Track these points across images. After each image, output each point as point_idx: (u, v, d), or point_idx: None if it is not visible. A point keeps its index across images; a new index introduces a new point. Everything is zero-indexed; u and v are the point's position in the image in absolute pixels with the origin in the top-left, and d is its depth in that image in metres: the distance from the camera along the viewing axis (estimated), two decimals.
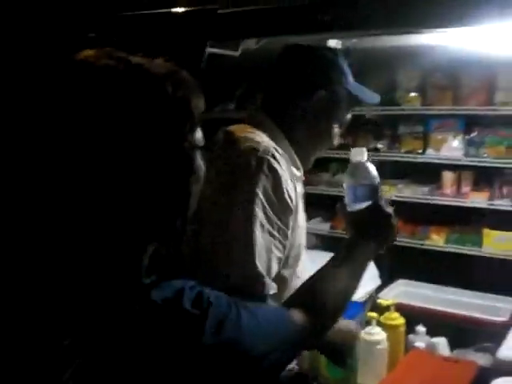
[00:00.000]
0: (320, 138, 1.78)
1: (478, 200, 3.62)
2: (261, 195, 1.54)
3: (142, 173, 0.95)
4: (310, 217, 3.56)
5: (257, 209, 1.53)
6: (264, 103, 1.79)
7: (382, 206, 1.51)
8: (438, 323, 2.65)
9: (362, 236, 1.47)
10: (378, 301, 2.30)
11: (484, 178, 3.71)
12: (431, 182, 3.84)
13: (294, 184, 1.66)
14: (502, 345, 2.30)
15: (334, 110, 1.77)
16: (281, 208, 1.57)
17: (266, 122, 1.73)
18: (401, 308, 2.27)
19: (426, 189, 3.81)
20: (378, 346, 1.98)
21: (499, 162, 3.54)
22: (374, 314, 2.09)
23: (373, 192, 1.52)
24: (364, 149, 1.60)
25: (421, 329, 2.37)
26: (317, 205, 3.95)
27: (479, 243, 3.61)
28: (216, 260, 1.55)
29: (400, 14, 2.26)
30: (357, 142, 3.99)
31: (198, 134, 1.05)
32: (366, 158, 1.57)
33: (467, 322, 2.92)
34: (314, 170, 4.11)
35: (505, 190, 3.58)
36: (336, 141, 1.81)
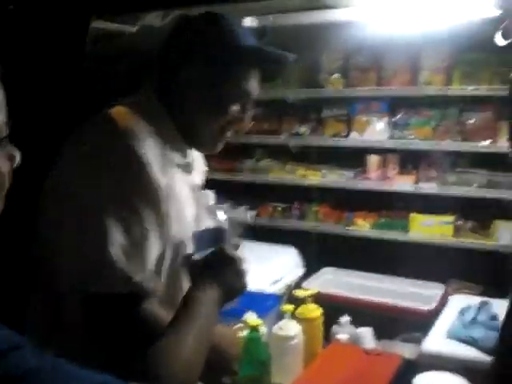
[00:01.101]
0: (208, 112, 1.55)
1: (405, 184, 3.55)
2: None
3: None
4: (234, 205, 3.47)
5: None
6: (150, 84, 1.58)
7: (226, 250, 1.39)
8: (363, 313, 2.54)
9: (203, 286, 1.32)
10: (295, 292, 2.16)
11: (410, 160, 3.63)
12: (356, 166, 3.75)
13: (167, 170, 1.45)
14: (427, 336, 2.21)
15: (218, 78, 1.53)
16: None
17: (149, 105, 1.53)
18: (324, 298, 2.15)
19: (350, 173, 3.73)
20: (291, 342, 1.84)
21: (425, 144, 3.48)
22: (289, 307, 1.96)
23: (220, 236, 1.42)
24: (210, 192, 1.56)
25: (344, 319, 2.27)
26: (242, 193, 3.84)
27: (406, 228, 3.55)
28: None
29: None
30: (281, 127, 3.89)
31: None
32: (212, 201, 1.52)
33: (394, 311, 2.87)
34: (238, 156, 4.01)
35: (431, 173, 3.50)
36: (244, 122, 1.60)
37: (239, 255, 1.40)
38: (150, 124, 1.45)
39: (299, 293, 2.06)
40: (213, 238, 1.40)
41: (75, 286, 1.32)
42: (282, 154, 4.00)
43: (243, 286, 1.42)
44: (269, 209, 3.97)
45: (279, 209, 3.95)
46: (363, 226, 3.68)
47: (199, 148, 1.63)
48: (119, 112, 1.46)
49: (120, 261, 1.29)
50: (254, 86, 1.57)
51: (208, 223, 1.50)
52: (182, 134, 1.55)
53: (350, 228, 3.71)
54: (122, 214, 1.32)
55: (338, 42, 3.51)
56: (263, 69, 1.58)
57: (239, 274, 1.40)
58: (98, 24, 2.27)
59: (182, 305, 1.30)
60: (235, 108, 1.54)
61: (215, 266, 1.36)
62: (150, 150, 1.40)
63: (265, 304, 2.09)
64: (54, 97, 2.23)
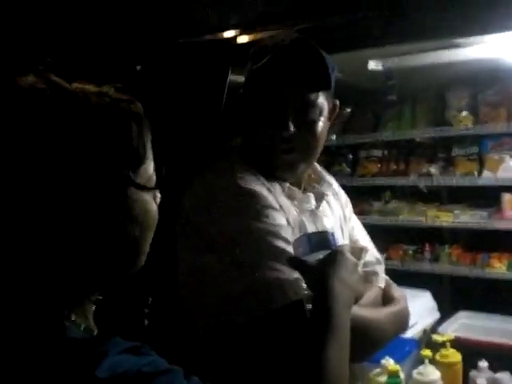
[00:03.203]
0: (256, 145, 1.53)
1: None
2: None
3: (62, 209, 0.84)
4: None
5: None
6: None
7: (345, 253, 1.30)
8: (501, 357, 2.41)
9: (334, 293, 1.21)
10: (433, 337, 2.11)
11: None
12: (490, 205, 3.61)
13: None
14: None
15: (251, 106, 1.51)
16: None
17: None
18: (460, 342, 2.10)
19: (484, 213, 3.58)
20: None
21: None
22: (427, 352, 1.92)
23: (327, 240, 1.32)
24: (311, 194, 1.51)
25: (482, 364, 2.18)
26: (371, 235, 3.78)
27: None
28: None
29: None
30: (409, 167, 3.84)
31: (146, 171, 0.95)
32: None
33: None
34: (367, 198, 3.99)
35: None
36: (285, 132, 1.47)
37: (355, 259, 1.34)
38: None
39: (438, 338, 2.02)
40: (320, 242, 1.32)
41: (251, 307, 1.32)
42: (411, 195, 3.93)
43: (363, 290, 1.38)
44: (399, 251, 3.89)
45: (410, 251, 3.87)
46: (499, 268, 3.52)
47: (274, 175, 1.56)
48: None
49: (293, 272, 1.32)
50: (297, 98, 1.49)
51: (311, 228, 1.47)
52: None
53: (486, 270, 3.54)
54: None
55: (465, 78, 3.45)
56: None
57: (360, 278, 1.35)
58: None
59: (318, 317, 1.20)
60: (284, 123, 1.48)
61: (343, 266, 1.26)
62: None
63: (402, 349, 2.05)
64: (193, 145, 2.35)
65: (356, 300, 1.31)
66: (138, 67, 2.78)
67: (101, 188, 0.87)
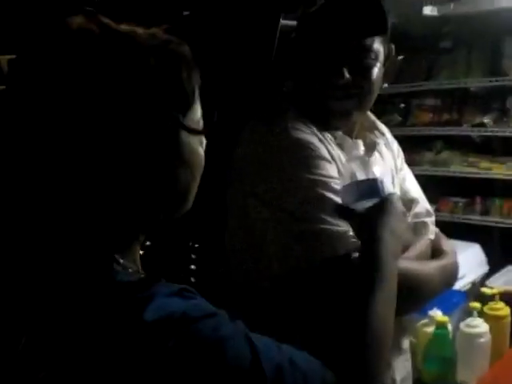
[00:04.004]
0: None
1: None
2: None
3: (114, 151, 0.84)
4: None
5: None
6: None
7: (394, 202, 1.26)
8: None
9: (383, 242, 1.18)
10: (482, 289, 2.09)
11: None
12: None
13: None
14: None
15: (305, 55, 1.46)
16: None
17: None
18: (509, 296, 2.06)
19: None
20: (480, 340, 1.79)
21: None
22: (476, 304, 1.90)
23: (376, 188, 1.27)
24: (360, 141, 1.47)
25: None
26: (421, 186, 3.73)
27: None
28: None
29: None
30: (463, 117, 3.75)
31: (195, 115, 0.94)
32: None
33: None
34: (417, 149, 3.92)
35: None
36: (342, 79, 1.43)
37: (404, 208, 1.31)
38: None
39: (487, 290, 1.99)
40: (368, 189, 1.27)
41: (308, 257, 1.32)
42: (463, 146, 3.85)
43: (411, 240, 1.37)
44: (449, 203, 3.83)
45: (460, 204, 3.81)
46: None
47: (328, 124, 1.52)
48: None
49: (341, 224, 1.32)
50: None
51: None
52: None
53: None
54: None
55: None
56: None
57: (407, 230, 1.33)
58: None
59: (365, 265, 1.17)
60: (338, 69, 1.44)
61: (385, 218, 1.22)
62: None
63: (450, 301, 2.03)
64: (244, 91, 2.33)
65: (403, 250, 1.29)
66: (186, 12, 2.76)
67: (153, 129, 0.86)
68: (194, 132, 0.93)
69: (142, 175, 0.87)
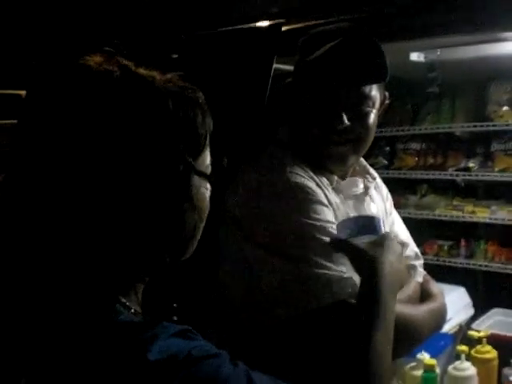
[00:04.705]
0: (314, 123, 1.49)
1: None
2: None
3: (125, 192, 0.86)
4: None
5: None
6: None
7: (392, 238, 1.30)
8: None
9: (382, 277, 1.20)
10: (469, 332, 2.10)
11: None
12: None
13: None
14: None
15: (301, 101, 1.50)
16: None
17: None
18: (495, 339, 2.07)
19: None
20: (468, 383, 1.78)
21: None
22: (463, 348, 1.91)
23: (373, 225, 1.31)
24: (359, 179, 1.48)
25: None
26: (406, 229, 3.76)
27: None
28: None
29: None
30: (447, 161, 3.79)
31: (205, 160, 0.96)
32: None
33: None
34: (402, 192, 3.95)
35: None
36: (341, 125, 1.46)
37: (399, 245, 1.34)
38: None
39: (474, 333, 2.00)
40: (367, 225, 1.30)
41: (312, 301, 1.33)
42: (448, 190, 3.89)
43: (407, 279, 1.38)
44: (434, 246, 3.86)
45: (445, 247, 3.83)
46: None
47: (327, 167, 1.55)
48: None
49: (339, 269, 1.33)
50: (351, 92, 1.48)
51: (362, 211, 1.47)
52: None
53: None
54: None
55: (507, 73, 3.39)
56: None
57: (405, 267, 1.34)
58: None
59: (366, 299, 1.19)
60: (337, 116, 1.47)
61: (386, 254, 1.24)
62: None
63: (438, 344, 2.04)
64: (235, 135, 2.35)
65: (400, 287, 1.30)
66: (174, 55, 2.78)
67: (166, 172, 0.88)
68: (204, 177, 0.95)
69: (152, 218, 0.88)
